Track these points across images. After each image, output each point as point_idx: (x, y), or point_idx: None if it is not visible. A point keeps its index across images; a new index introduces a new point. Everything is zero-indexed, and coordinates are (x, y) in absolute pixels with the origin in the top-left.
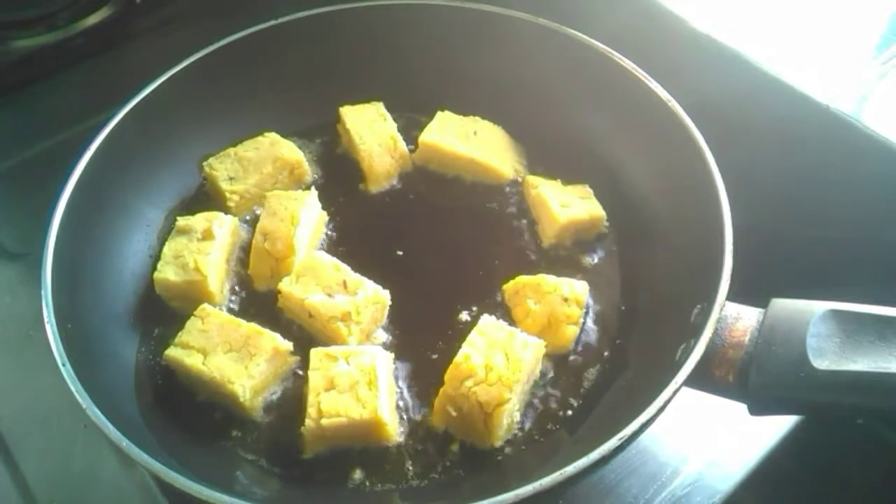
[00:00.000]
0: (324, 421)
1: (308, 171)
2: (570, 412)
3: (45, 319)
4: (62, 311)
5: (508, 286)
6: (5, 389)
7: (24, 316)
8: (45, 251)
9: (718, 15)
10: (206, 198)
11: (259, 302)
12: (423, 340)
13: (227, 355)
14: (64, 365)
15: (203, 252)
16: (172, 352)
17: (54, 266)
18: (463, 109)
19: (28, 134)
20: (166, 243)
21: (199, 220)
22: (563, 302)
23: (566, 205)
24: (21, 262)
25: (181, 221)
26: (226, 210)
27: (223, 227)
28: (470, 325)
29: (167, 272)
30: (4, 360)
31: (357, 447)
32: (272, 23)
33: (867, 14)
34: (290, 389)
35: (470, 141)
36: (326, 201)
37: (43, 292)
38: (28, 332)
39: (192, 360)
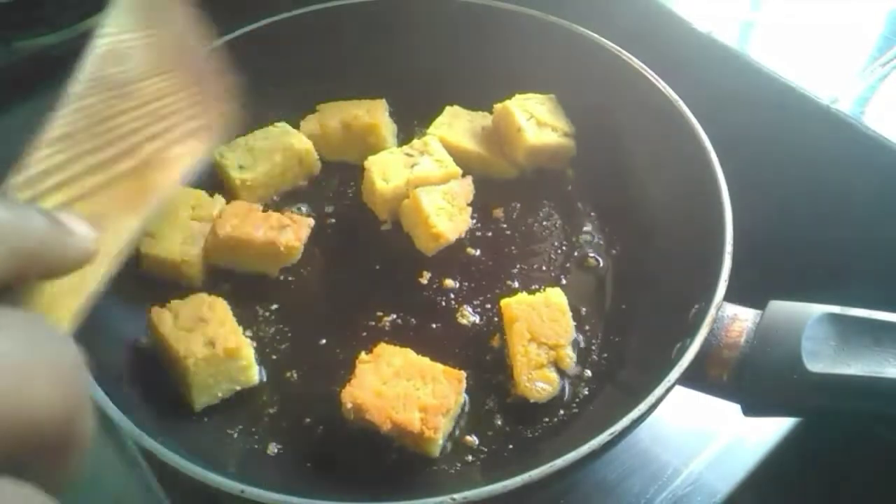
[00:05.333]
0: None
1: (317, 161)
2: (565, 410)
3: None
4: None
5: (506, 305)
6: None
7: None
8: None
9: (719, 15)
10: (216, 186)
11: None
12: (426, 341)
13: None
14: None
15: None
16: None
17: None
18: (470, 106)
19: (31, 136)
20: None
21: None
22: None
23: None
24: None
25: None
26: (236, 197)
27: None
28: (470, 331)
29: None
30: None
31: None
32: (284, 15)
33: (868, 14)
34: (305, 374)
35: (478, 136)
36: (332, 195)
37: None
38: None
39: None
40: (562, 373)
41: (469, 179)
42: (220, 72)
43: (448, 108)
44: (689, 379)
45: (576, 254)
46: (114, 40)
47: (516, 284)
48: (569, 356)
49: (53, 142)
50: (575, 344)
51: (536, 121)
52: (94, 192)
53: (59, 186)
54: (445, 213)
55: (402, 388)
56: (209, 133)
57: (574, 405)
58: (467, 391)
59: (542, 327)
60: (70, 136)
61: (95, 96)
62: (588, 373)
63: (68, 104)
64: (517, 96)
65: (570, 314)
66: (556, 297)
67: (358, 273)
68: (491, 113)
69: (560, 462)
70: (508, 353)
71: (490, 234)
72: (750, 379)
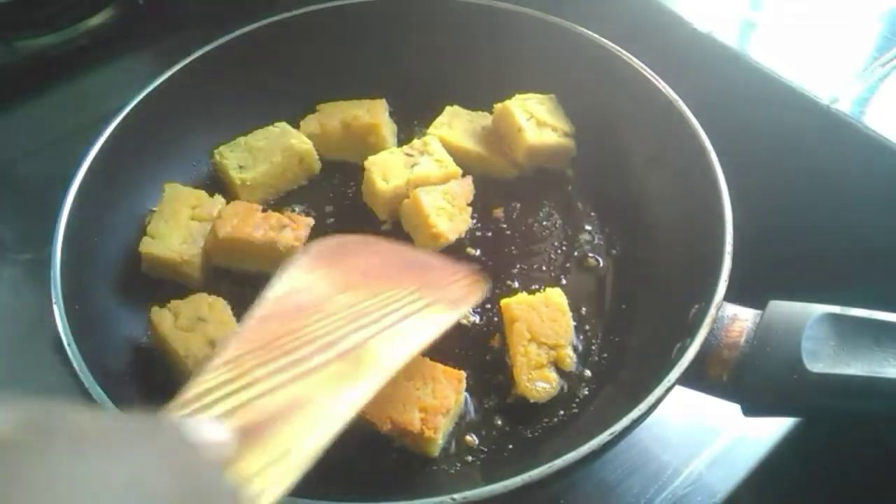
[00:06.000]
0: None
1: (317, 161)
2: (565, 410)
3: (53, 300)
4: (70, 292)
5: (506, 305)
6: (7, 389)
7: (28, 315)
8: (56, 234)
9: (719, 15)
10: (216, 186)
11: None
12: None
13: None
14: (69, 345)
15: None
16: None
17: (63, 251)
18: (470, 106)
19: (32, 135)
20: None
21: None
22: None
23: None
24: (25, 262)
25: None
26: (236, 197)
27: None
28: (470, 331)
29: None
30: (7, 360)
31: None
32: (284, 15)
33: (868, 15)
34: None
35: (478, 136)
36: (332, 195)
37: (52, 273)
38: (31, 332)
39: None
40: (562, 373)
41: (469, 179)
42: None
43: (448, 108)
44: (689, 379)
45: (576, 254)
46: (293, 283)
47: (516, 284)
48: (569, 356)
49: (226, 362)
50: (575, 344)
51: (536, 121)
52: (276, 392)
53: (227, 398)
54: (445, 213)
55: (402, 388)
56: (446, 306)
57: (574, 405)
58: (467, 391)
59: (542, 327)
60: (246, 354)
61: (275, 320)
62: (588, 373)
63: (246, 328)
64: (517, 96)
65: (570, 314)
66: (556, 297)
67: None
68: (491, 113)
69: (560, 462)
70: (508, 353)
71: (490, 234)
72: (750, 379)
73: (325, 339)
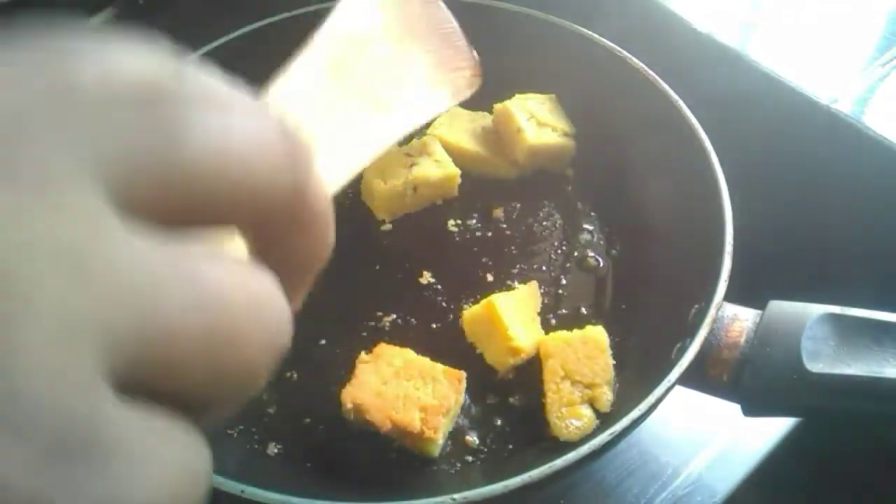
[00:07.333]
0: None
1: None
2: None
3: None
4: None
5: (542, 342)
6: None
7: None
8: None
9: (719, 15)
10: None
11: None
12: (426, 341)
13: None
14: None
15: None
16: None
17: None
18: (470, 106)
19: None
20: None
21: None
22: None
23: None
24: None
25: None
26: None
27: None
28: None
29: None
30: None
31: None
32: (284, 15)
33: (868, 14)
34: (305, 374)
35: (478, 136)
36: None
37: None
38: None
39: None
40: (597, 412)
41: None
42: (462, 45)
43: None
44: (689, 379)
45: (576, 254)
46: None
47: (516, 284)
48: (606, 396)
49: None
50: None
51: (536, 121)
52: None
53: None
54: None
55: (402, 388)
56: (450, 91)
57: None
58: (467, 391)
59: (577, 365)
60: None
61: (334, 46)
62: None
63: (308, 51)
64: (517, 96)
65: (609, 352)
66: (595, 334)
67: (358, 273)
68: (491, 113)
69: (560, 462)
70: (541, 391)
71: (490, 234)
72: (750, 379)
73: (361, 86)
